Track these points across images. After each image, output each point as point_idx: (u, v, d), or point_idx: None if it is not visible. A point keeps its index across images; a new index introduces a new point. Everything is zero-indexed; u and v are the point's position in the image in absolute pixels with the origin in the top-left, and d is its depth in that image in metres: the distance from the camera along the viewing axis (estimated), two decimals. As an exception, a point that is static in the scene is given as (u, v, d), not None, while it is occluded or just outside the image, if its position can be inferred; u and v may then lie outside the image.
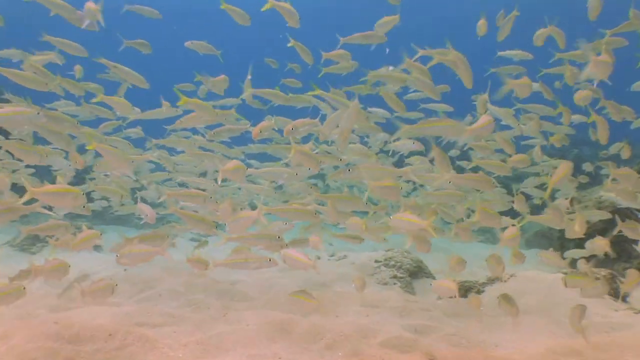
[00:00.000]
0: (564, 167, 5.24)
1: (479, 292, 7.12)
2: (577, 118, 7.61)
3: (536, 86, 6.54)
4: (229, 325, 4.86)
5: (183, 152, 7.28)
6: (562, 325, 5.24)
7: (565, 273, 6.01)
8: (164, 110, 6.23)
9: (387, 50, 6.94)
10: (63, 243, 5.45)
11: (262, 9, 6.00)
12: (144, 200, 6.65)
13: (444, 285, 4.91)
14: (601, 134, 6.47)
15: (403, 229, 4.98)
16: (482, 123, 4.57)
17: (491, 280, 7.23)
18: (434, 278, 8.21)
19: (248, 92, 6.60)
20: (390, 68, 6.07)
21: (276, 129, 6.75)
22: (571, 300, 5.53)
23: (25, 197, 4.43)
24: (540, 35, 6.53)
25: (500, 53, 7.65)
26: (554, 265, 6.07)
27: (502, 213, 6.16)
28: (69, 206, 4.79)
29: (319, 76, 6.97)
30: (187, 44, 6.87)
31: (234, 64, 9.67)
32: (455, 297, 4.85)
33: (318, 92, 5.73)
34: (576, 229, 5.46)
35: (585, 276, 4.99)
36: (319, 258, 9.03)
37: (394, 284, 7.61)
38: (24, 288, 4.36)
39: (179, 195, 5.60)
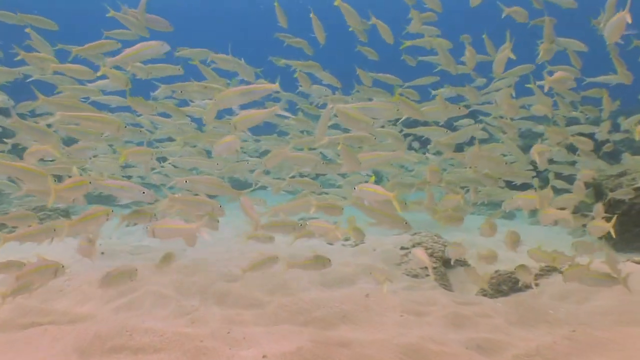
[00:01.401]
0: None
1: (529, 286, 5.90)
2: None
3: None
4: (236, 351, 3.57)
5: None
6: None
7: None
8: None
9: None
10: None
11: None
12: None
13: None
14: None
15: (368, 200, 4.45)
16: None
17: (547, 271, 6.01)
18: (468, 266, 6.97)
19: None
20: None
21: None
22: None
23: (52, 198, 3.92)
24: None
25: None
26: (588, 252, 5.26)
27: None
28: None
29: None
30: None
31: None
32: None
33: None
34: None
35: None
36: (330, 244, 7.76)
37: (427, 275, 6.34)
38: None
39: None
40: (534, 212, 12.97)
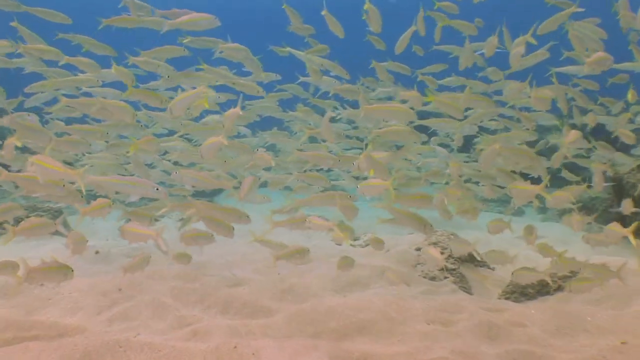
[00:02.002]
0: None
1: (559, 288, 5.46)
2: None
3: None
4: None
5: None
6: None
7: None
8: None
9: None
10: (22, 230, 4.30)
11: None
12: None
13: None
14: None
15: (370, 194, 4.62)
16: None
17: (575, 273, 5.55)
18: (489, 267, 6.53)
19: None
20: None
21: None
22: None
23: (80, 220, 4.20)
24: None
25: None
26: (603, 245, 5.14)
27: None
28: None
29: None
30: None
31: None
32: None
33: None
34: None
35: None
36: (339, 245, 7.31)
37: (445, 277, 5.89)
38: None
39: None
40: (543, 209, 12.57)
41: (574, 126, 6.87)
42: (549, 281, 4.88)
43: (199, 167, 7.28)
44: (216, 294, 4.69)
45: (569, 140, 5.04)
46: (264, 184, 7.28)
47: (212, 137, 4.59)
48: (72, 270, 3.94)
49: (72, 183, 4.90)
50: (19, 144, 4.63)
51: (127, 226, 4.14)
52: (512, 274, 5.14)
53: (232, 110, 4.72)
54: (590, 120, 6.00)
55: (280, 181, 6.49)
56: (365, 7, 5.82)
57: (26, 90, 5.68)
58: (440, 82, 6.92)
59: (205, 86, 4.59)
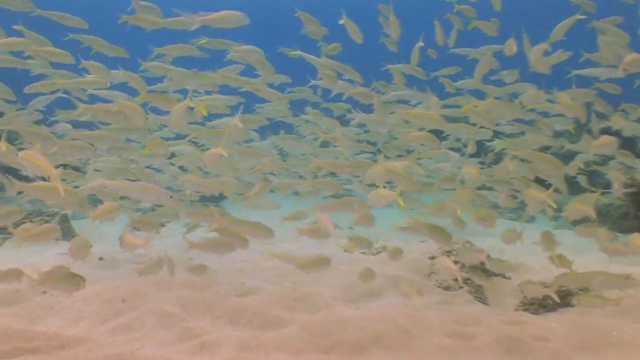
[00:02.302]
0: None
1: (581, 300, 5.26)
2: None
3: None
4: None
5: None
6: None
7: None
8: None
9: None
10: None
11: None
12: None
13: None
14: None
15: (379, 204, 4.44)
16: None
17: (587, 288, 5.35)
18: (504, 277, 6.33)
19: None
20: None
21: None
22: None
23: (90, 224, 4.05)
24: None
25: None
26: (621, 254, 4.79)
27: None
28: None
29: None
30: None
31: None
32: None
33: None
34: None
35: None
36: (347, 251, 7.12)
37: (460, 287, 5.70)
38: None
39: None
40: (556, 216, 12.34)
41: (589, 132, 6.69)
42: (556, 297, 4.68)
43: (204, 171, 7.13)
44: (225, 304, 4.52)
45: (601, 144, 4.85)
46: (271, 189, 7.12)
47: (214, 148, 4.55)
48: (84, 280, 3.85)
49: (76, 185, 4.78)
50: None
51: (123, 236, 4.06)
52: (518, 286, 4.97)
53: (234, 122, 4.64)
54: (617, 122, 5.78)
55: (288, 186, 6.33)
56: (391, 18, 5.78)
57: (26, 90, 5.52)
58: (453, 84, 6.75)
59: (190, 97, 4.51)
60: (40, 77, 5.67)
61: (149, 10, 5.40)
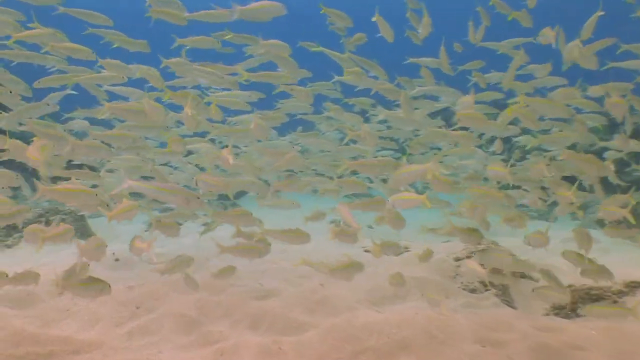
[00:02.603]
0: None
1: (614, 304, 5.03)
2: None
3: None
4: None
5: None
6: None
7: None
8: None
9: None
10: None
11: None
12: None
13: None
14: None
15: (404, 207, 4.23)
16: None
17: (632, 287, 5.12)
18: (532, 279, 6.09)
19: None
20: None
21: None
22: None
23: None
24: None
25: None
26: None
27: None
28: None
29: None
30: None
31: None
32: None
33: None
34: None
35: None
36: (368, 251, 6.92)
37: (486, 290, 5.49)
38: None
39: None
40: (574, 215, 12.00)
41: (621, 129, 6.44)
42: (569, 302, 4.48)
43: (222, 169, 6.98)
44: (244, 307, 4.36)
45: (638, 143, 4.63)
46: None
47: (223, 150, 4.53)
48: (109, 286, 3.73)
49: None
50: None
51: (132, 241, 4.08)
52: (533, 291, 4.75)
53: (255, 122, 4.53)
54: None
55: (308, 184, 6.14)
56: (425, 21, 5.72)
57: (35, 85, 5.38)
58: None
59: (191, 103, 4.50)
60: (57, 73, 5.55)
61: (171, 5, 5.27)
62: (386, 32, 5.83)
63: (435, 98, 6.40)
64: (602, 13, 5.32)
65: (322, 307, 4.62)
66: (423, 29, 5.68)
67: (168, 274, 4.42)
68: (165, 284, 4.70)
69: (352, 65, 5.56)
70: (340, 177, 5.49)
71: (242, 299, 4.56)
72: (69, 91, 5.35)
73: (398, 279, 4.50)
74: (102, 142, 4.87)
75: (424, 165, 4.23)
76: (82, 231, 8.21)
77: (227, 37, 5.43)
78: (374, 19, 5.72)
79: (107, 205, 4.12)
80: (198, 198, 3.72)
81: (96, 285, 3.63)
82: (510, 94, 6.25)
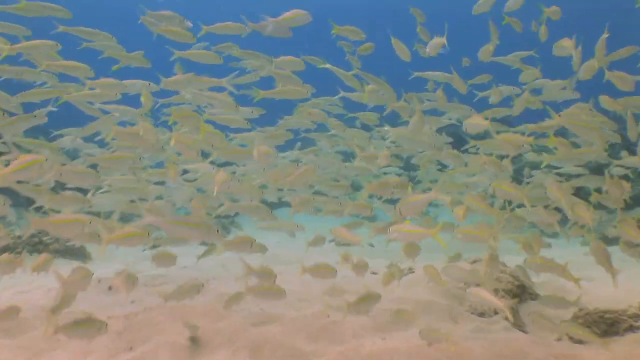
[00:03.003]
0: None
1: (630, 328, 4.83)
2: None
3: None
4: None
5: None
6: None
7: None
8: None
9: None
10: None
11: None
12: None
13: None
14: None
15: (406, 239, 4.05)
16: None
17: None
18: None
19: None
20: None
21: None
22: None
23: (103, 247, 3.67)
24: None
25: None
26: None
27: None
28: None
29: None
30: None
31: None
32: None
33: None
34: None
35: None
36: (374, 273, 6.72)
37: (495, 313, 5.29)
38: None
39: None
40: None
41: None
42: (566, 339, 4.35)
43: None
44: (245, 335, 4.15)
45: None
46: (286, 204, 6.76)
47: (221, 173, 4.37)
48: (106, 325, 3.51)
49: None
50: None
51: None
52: (529, 315, 4.56)
53: (260, 150, 4.45)
54: None
55: (308, 202, 5.90)
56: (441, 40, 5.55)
57: (17, 99, 5.12)
58: (484, 93, 6.34)
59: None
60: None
61: (172, 20, 5.14)
62: (403, 52, 5.73)
63: (440, 113, 6.24)
64: (607, 35, 5.21)
65: (326, 333, 4.42)
66: (432, 49, 5.54)
67: (175, 301, 4.20)
68: (162, 310, 4.49)
69: (358, 84, 5.39)
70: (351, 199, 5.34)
71: (242, 325, 4.36)
72: (50, 108, 5.05)
73: (403, 315, 4.16)
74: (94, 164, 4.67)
75: (429, 194, 4.03)
76: (77, 252, 8.01)
77: (235, 52, 5.33)
78: (393, 42, 5.66)
79: (99, 236, 3.89)
80: (218, 231, 3.56)
81: (92, 327, 3.41)
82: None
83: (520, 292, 5.76)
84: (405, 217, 4.13)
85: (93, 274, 3.71)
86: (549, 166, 5.65)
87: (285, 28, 4.76)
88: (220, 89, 5.15)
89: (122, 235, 3.64)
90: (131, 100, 5.41)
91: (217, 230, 3.55)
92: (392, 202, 6.58)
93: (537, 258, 4.52)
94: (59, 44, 4.91)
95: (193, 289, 4.09)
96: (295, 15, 4.65)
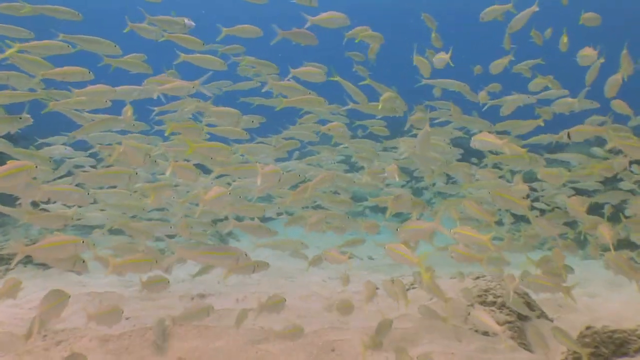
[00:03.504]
0: None
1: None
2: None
3: None
4: None
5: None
6: None
7: None
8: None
9: None
10: None
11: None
12: None
13: None
14: None
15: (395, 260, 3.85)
16: None
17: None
18: (547, 319, 5.76)
19: None
20: None
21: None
22: None
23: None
24: None
25: None
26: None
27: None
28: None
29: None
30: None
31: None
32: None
33: None
34: None
35: None
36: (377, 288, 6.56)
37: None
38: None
39: None
40: (582, 244, 11.65)
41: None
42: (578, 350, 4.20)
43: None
44: (243, 354, 4.00)
45: None
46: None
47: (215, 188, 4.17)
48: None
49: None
50: None
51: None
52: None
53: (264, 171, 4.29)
54: None
55: (304, 218, 5.71)
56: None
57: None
58: (493, 102, 6.21)
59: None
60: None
61: (173, 24, 5.04)
62: (425, 70, 5.70)
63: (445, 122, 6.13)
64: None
65: (327, 353, 4.28)
66: (437, 63, 5.46)
67: (184, 323, 4.08)
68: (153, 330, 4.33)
69: (366, 100, 5.26)
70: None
71: (241, 345, 4.20)
72: (26, 115, 4.81)
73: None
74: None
75: (430, 224, 3.89)
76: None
77: (243, 62, 5.25)
78: (415, 62, 5.64)
79: (83, 262, 3.69)
80: (246, 255, 3.50)
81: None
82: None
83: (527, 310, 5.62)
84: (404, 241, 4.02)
85: (69, 297, 3.53)
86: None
87: (312, 35, 4.81)
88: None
89: (128, 261, 3.52)
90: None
91: (246, 254, 3.50)
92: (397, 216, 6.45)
93: (537, 278, 4.45)
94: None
95: (202, 312, 3.99)
96: (331, 17, 4.74)
